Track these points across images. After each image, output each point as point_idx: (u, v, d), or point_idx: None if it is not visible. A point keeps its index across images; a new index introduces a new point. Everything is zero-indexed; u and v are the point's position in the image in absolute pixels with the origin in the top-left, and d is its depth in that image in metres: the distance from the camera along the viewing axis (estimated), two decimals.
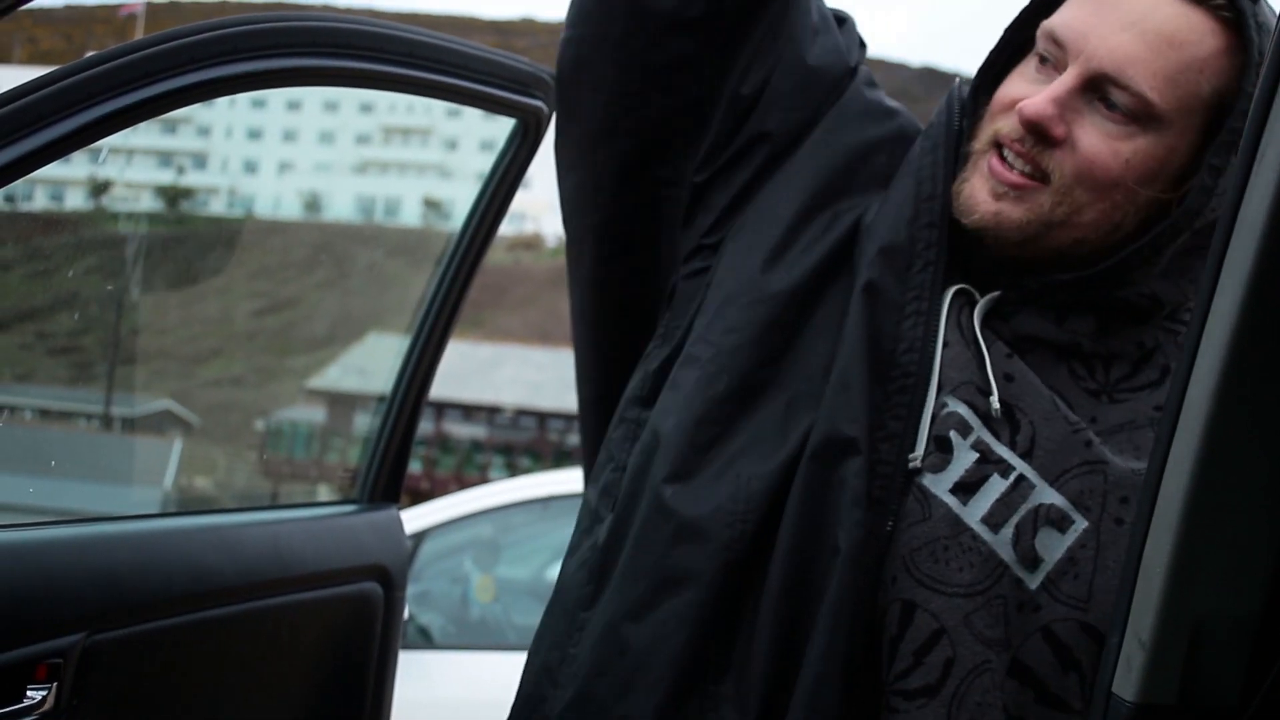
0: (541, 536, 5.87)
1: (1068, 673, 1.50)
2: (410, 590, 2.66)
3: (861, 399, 1.55)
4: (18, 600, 1.91)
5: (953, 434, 1.54)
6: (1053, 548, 1.50)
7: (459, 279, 2.63)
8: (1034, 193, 1.54)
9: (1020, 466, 1.53)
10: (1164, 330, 1.63)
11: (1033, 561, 1.50)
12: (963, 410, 1.55)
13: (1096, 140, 1.52)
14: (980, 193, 1.57)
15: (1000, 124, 1.58)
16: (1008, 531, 1.51)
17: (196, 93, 1.89)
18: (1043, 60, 1.57)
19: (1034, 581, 1.50)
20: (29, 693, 1.90)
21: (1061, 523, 1.51)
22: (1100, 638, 1.49)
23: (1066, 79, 1.52)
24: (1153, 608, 1.18)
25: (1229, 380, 1.11)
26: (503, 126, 2.53)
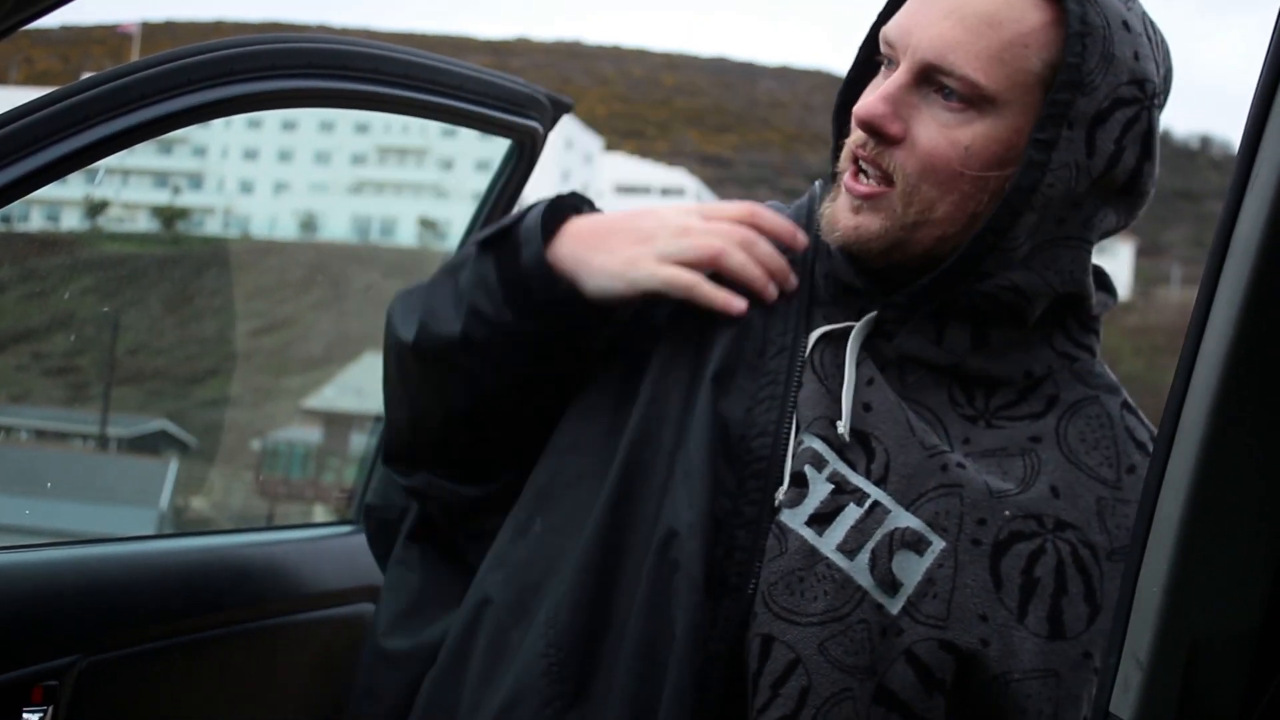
0: None
1: (932, 694, 1.50)
2: None
3: (705, 485, 1.54)
4: (14, 622, 1.91)
5: (807, 468, 1.54)
6: (911, 570, 1.51)
7: None
8: (884, 198, 1.54)
9: (875, 493, 1.53)
10: (1059, 355, 1.62)
11: (891, 585, 1.50)
12: (817, 445, 1.55)
13: (934, 132, 1.51)
14: (841, 210, 1.58)
15: (853, 136, 1.58)
16: (864, 557, 1.51)
17: (194, 115, 1.90)
18: (886, 64, 1.58)
19: (895, 606, 1.50)
20: (25, 715, 1.90)
21: (918, 545, 1.51)
22: (959, 652, 1.49)
23: (897, 75, 1.53)
24: (1149, 627, 1.18)
25: (1224, 398, 1.12)
26: (498, 146, 2.54)
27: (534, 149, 2.50)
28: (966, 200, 1.53)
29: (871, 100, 1.53)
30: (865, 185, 1.55)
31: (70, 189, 2.03)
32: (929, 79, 1.52)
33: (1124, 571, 1.25)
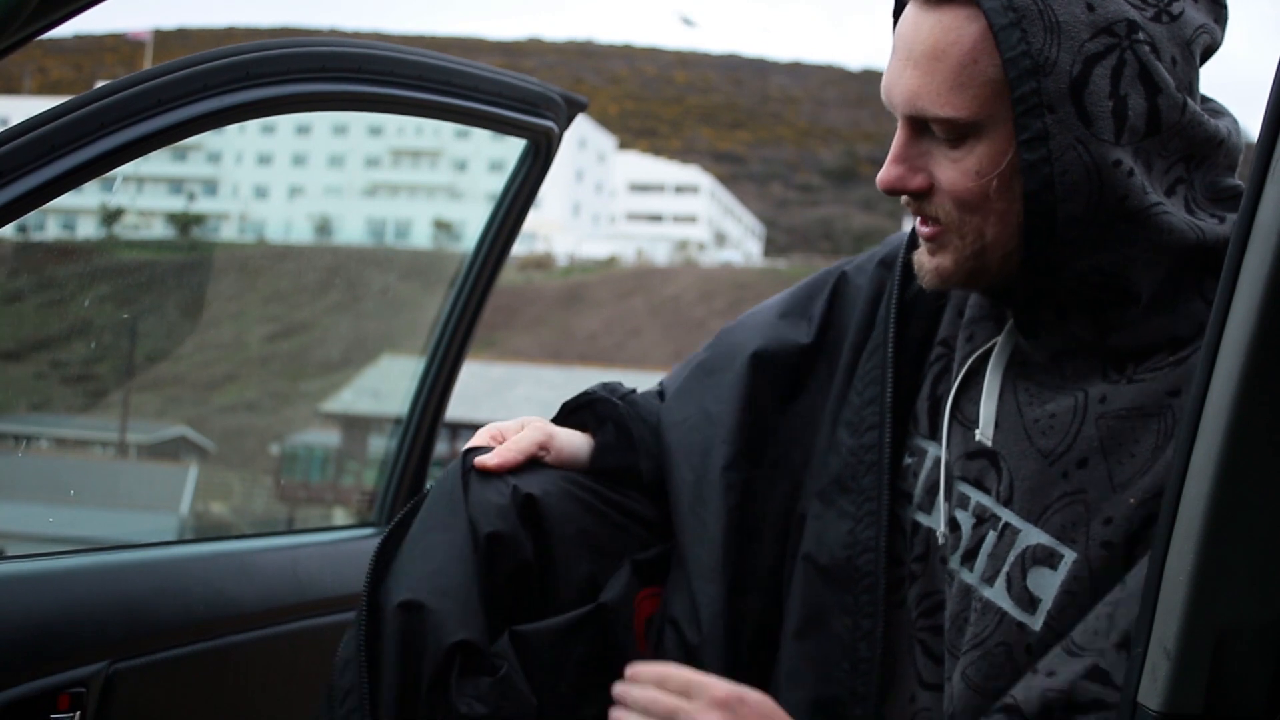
0: None
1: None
2: None
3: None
4: (40, 630, 1.91)
5: (958, 512, 1.62)
6: (1046, 586, 1.51)
7: (473, 300, 2.63)
8: (944, 236, 1.58)
9: (1004, 515, 1.56)
10: (1209, 304, 1.54)
11: (1030, 603, 1.52)
12: (963, 487, 1.62)
13: (949, 171, 1.54)
14: (922, 255, 1.63)
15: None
16: (1000, 581, 1.55)
17: (210, 120, 1.90)
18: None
19: (1037, 622, 1.51)
20: None
21: (1050, 559, 1.51)
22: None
23: (899, 134, 1.57)
24: (1177, 617, 1.18)
25: (1248, 388, 1.11)
26: (511, 147, 2.53)
27: (549, 149, 2.50)
28: (1006, 214, 1.53)
29: (884, 169, 1.58)
30: (927, 228, 1.60)
31: (86, 197, 2.03)
32: (923, 127, 1.55)
33: (1149, 562, 1.25)
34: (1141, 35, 1.47)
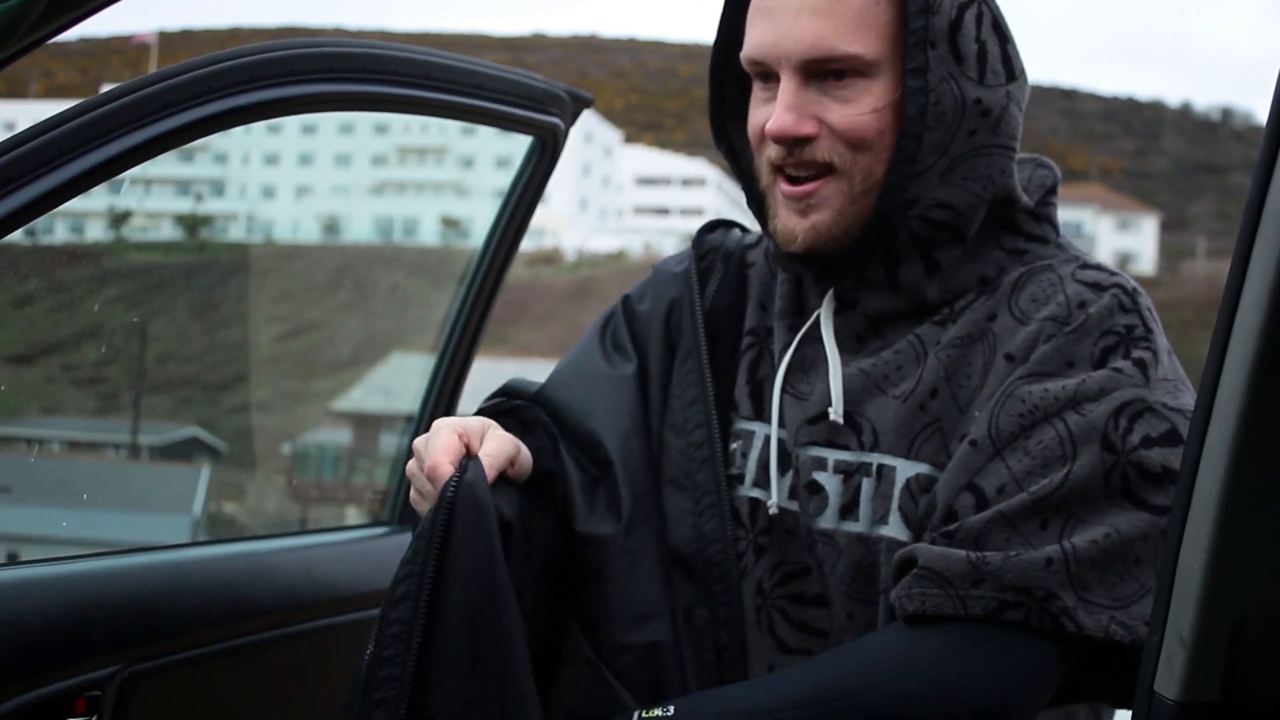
0: None
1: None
2: None
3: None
4: (55, 633, 1.92)
5: (815, 475, 1.67)
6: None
7: (482, 296, 2.63)
8: (829, 184, 1.66)
9: (875, 459, 1.65)
10: (1010, 254, 1.70)
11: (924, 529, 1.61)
12: (813, 451, 1.68)
13: (842, 111, 1.63)
14: (790, 219, 1.69)
15: (768, 153, 1.69)
16: (894, 517, 1.62)
17: (217, 123, 1.90)
18: (763, 81, 1.69)
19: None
20: None
21: (932, 485, 1.61)
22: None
23: (786, 84, 1.64)
24: (1192, 605, 1.17)
25: (1260, 373, 1.11)
26: (517, 143, 2.54)
27: (555, 145, 2.50)
28: (890, 150, 1.64)
29: (777, 116, 1.64)
30: (805, 186, 1.67)
31: (94, 200, 2.04)
32: (814, 73, 1.64)
33: (1164, 550, 1.25)
34: None
